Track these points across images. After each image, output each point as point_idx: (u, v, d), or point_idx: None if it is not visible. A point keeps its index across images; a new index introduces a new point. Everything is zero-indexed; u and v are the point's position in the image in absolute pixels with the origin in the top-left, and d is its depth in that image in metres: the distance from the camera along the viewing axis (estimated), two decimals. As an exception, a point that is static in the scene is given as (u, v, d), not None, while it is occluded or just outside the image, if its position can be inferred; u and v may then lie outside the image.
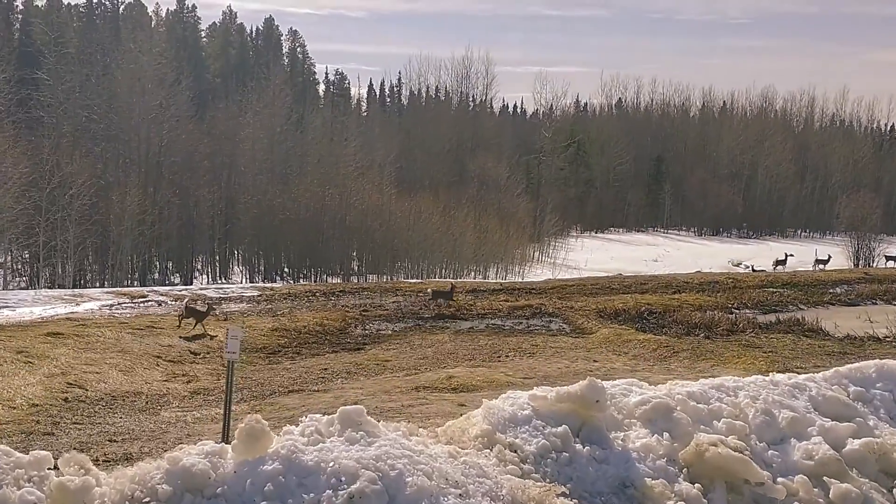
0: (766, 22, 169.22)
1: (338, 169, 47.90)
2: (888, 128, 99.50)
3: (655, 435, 6.24)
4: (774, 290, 28.33)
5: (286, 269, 49.69)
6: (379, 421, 6.06)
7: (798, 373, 14.71)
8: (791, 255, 51.83)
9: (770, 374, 7.14)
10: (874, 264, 45.18)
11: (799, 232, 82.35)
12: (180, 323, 17.44)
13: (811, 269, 39.08)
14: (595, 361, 15.50)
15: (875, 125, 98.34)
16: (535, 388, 6.83)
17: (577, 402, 6.39)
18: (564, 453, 6.13)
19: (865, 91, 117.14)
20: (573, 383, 6.74)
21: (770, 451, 6.14)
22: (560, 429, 6.27)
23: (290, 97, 63.25)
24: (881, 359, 16.40)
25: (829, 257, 42.52)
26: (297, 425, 5.88)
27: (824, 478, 6.07)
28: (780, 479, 6.01)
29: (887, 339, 21.03)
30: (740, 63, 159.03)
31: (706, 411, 6.24)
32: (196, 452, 5.11)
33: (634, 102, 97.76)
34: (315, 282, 41.23)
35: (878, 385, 6.65)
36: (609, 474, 6.05)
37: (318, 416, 5.96)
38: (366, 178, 48.73)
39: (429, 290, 24.14)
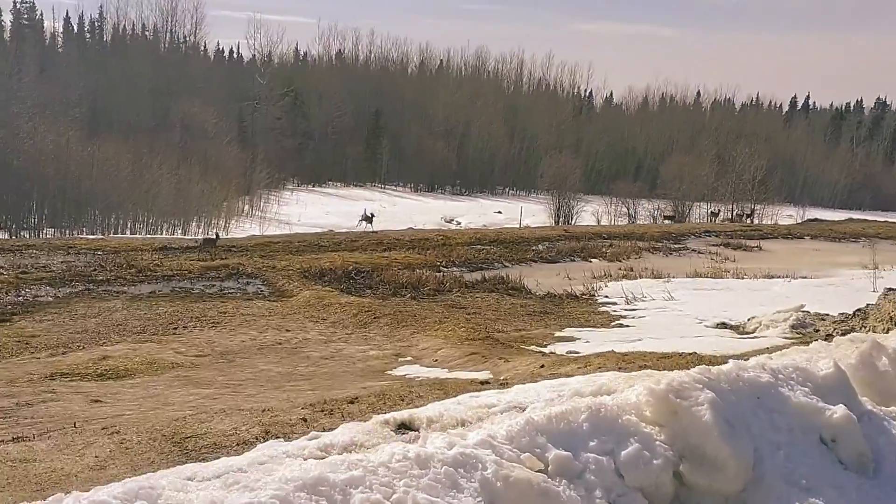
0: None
1: (8, 107, 40.97)
2: (587, 93, 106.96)
3: None
4: (482, 247, 28.30)
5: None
6: None
7: (498, 339, 14.04)
8: (499, 212, 53.86)
9: (423, 438, 4.11)
10: (573, 222, 47.82)
11: (507, 190, 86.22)
12: (201, 253, 21.44)
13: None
14: (287, 331, 13.79)
15: (576, 90, 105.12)
16: None
17: None
18: None
19: (569, 58, 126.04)
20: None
21: None
22: None
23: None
24: (582, 326, 16.35)
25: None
26: None
27: None
28: None
29: (584, 297, 21.49)
30: (456, 24, 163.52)
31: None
32: None
33: (353, 54, 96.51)
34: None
35: (591, 444, 4.16)
36: None
37: None
38: (43, 118, 42.24)
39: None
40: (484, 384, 6.87)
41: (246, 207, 50.60)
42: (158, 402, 7.91)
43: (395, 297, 19.86)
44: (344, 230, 37.62)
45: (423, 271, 22.87)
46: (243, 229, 40.20)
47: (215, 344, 12.31)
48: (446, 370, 9.87)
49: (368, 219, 30.26)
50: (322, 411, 6.00)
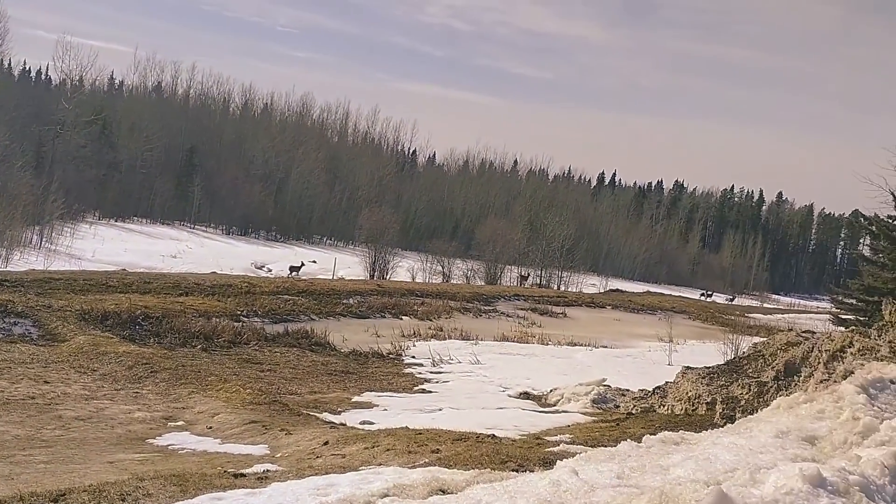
0: (311, 36, 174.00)
1: None
2: (410, 151, 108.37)
3: None
4: (289, 297, 26.98)
5: None
6: None
7: (287, 403, 12.87)
8: (314, 262, 52.53)
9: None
10: (388, 276, 47.22)
11: (325, 239, 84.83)
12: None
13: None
14: (46, 382, 12.01)
15: (400, 147, 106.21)
16: None
17: None
18: None
19: (394, 115, 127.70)
20: None
21: None
22: None
23: None
24: (383, 390, 15.42)
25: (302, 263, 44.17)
26: None
27: None
28: None
29: (390, 356, 20.75)
30: (283, 70, 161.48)
31: None
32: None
33: (171, 88, 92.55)
34: None
35: None
36: None
37: None
38: None
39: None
40: (237, 477, 5.72)
41: (35, 238, 46.27)
42: None
43: (185, 347, 18.31)
44: (141, 269, 34.89)
45: (220, 320, 21.38)
46: (27, 262, 36.45)
47: (-52, 396, 10.44)
48: (218, 441, 8.67)
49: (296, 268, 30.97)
50: (10, 514, 4.72)
